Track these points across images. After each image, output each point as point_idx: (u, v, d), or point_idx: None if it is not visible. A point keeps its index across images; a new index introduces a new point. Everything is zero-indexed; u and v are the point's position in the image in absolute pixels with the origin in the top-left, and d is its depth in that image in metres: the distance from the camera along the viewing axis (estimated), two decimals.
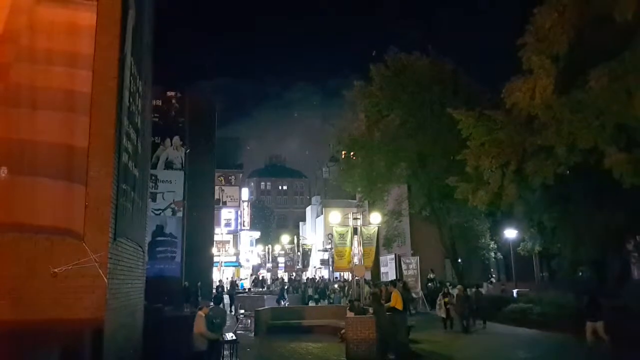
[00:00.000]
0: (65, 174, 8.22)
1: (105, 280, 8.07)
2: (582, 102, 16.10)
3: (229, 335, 13.18)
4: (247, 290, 40.92)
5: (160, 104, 26.92)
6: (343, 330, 14.95)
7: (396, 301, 14.28)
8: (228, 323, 13.86)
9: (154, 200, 25.24)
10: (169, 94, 28.37)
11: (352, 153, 32.21)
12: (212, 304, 13.97)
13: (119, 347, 9.19)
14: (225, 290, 34.38)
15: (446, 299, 19.82)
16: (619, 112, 15.32)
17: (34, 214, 8.02)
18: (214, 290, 29.02)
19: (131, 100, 10.07)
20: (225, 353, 12.46)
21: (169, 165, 27.84)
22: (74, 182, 8.23)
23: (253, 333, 19.11)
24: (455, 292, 20.30)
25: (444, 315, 19.77)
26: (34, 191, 8.07)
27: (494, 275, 35.58)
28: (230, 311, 27.09)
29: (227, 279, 41.62)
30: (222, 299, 25.63)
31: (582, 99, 16.05)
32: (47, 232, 7.99)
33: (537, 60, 17.21)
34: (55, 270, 7.80)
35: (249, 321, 20.54)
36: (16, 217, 7.96)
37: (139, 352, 11.63)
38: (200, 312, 10.43)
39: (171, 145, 28.00)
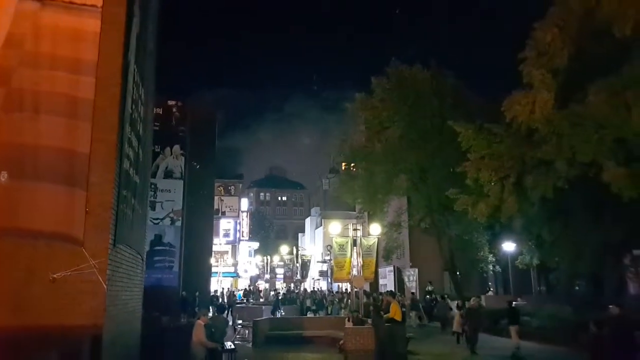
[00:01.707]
0: (66, 179, 8.23)
1: (105, 286, 8.05)
2: (582, 116, 16.17)
3: (228, 344, 13.12)
4: (244, 300, 40.72)
5: (161, 112, 26.94)
6: (342, 341, 14.87)
7: (395, 312, 14.24)
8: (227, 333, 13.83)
9: (153, 209, 25.14)
10: (170, 102, 28.44)
11: (352, 164, 32.25)
12: (210, 313, 13.92)
13: (117, 354, 9.14)
14: (223, 300, 34.19)
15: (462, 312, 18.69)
16: (618, 127, 15.40)
17: (34, 219, 8.02)
18: (216, 300, 28.94)
19: (133, 107, 10.11)
20: None
21: (168, 174, 27.80)
22: (75, 188, 8.24)
23: (251, 343, 18.96)
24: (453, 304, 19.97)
25: (459, 330, 18.43)
26: (35, 196, 8.07)
27: (491, 289, 35.50)
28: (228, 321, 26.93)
29: (222, 289, 41.27)
30: (224, 309, 25.56)
31: (581, 113, 16.13)
32: (47, 237, 7.99)
33: (538, 74, 17.30)
34: (55, 275, 7.78)
35: (247, 331, 20.39)
36: (16, 221, 7.96)
37: None
38: (199, 321, 10.39)
39: (171, 154, 27.98)
